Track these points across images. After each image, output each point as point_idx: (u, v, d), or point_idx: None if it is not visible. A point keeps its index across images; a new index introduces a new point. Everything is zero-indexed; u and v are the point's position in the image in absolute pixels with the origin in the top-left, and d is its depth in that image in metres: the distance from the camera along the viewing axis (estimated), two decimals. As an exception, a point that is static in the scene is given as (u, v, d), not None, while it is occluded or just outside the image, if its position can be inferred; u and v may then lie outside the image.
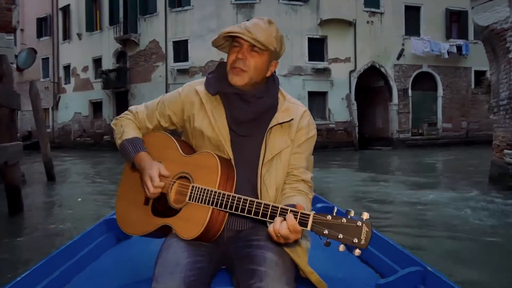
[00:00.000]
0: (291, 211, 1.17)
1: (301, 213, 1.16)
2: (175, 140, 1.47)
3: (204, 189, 1.31)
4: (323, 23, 20.44)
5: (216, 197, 1.29)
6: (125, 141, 1.46)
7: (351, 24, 20.87)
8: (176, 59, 21.20)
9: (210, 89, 1.44)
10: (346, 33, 20.97)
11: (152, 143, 1.50)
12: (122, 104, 23.52)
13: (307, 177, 1.44)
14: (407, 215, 5.81)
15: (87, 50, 25.16)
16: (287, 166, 1.43)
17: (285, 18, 20.12)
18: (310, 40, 20.64)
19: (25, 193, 7.80)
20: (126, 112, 1.58)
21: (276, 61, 1.44)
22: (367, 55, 21.26)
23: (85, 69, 25.66)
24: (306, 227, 1.14)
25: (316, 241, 2.19)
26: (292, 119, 1.42)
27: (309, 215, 1.14)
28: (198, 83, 1.50)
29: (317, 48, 20.72)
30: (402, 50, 21.94)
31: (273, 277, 1.21)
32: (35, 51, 10.86)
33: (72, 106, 26.50)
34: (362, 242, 1.09)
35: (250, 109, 1.41)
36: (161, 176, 1.37)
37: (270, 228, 1.17)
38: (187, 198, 1.34)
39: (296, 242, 1.27)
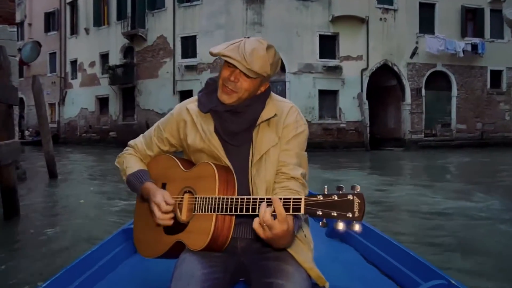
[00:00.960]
0: (283, 200, 1.16)
1: (293, 199, 1.15)
2: (176, 159, 1.51)
3: (206, 198, 1.33)
4: (335, 19, 19.94)
5: (217, 203, 1.30)
6: (129, 176, 1.51)
7: (363, 21, 20.35)
8: (184, 55, 20.79)
9: (202, 108, 1.46)
10: (359, 30, 20.46)
11: (155, 166, 1.55)
12: (128, 100, 23.27)
13: (297, 173, 1.39)
14: (448, 231, 4.89)
15: (94, 45, 24.89)
16: (276, 165, 1.41)
17: (296, 14, 19.70)
18: (321, 37, 20.15)
19: (25, 191, 7.47)
20: (126, 148, 1.62)
21: (268, 82, 1.44)
22: (379, 53, 20.74)
23: (92, 64, 25.38)
24: (300, 211, 1.14)
25: (336, 254, 2.07)
26: (275, 115, 1.42)
27: (300, 199, 1.14)
28: (189, 102, 1.53)
29: (328, 46, 20.22)
30: (416, 48, 21.40)
31: None
32: (39, 44, 10.50)
33: (79, 102, 26.29)
34: (356, 214, 1.08)
35: (241, 120, 1.42)
36: (166, 201, 1.39)
37: (255, 223, 1.16)
38: (192, 210, 1.37)
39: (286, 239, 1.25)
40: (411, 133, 21.56)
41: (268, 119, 1.42)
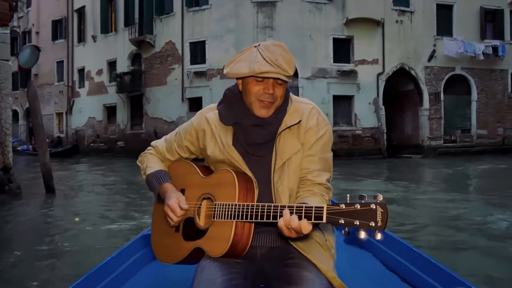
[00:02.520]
0: (305, 208, 1.17)
1: (315, 207, 1.16)
2: (195, 165, 1.51)
3: (226, 205, 1.32)
4: (349, 22, 19.18)
5: (237, 210, 1.29)
6: (149, 175, 1.52)
7: (379, 23, 19.57)
8: (193, 61, 20.12)
9: (225, 121, 1.44)
10: (374, 33, 19.67)
11: (174, 172, 1.54)
12: (136, 108, 22.73)
13: (322, 179, 1.39)
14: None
15: (102, 52, 24.43)
16: (298, 171, 1.40)
17: (309, 17, 19.01)
18: (335, 40, 19.39)
19: (16, 209, 6.76)
20: (148, 148, 1.63)
21: None
22: (396, 56, 19.94)
23: (99, 72, 24.91)
24: (322, 219, 1.14)
25: (355, 261, 2.03)
26: (300, 121, 1.40)
27: (322, 207, 1.15)
28: (208, 110, 1.51)
29: (342, 49, 19.45)
30: (434, 51, 20.58)
31: None
32: (38, 49, 9.87)
33: (86, 111, 25.85)
34: (379, 224, 1.07)
35: (267, 131, 1.40)
36: (180, 206, 1.40)
37: (280, 222, 1.17)
38: (211, 217, 1.36)
39: (308, 236, 1.25)
40: (429, 140, 20.66)
41: (291, 126, 1.39)
